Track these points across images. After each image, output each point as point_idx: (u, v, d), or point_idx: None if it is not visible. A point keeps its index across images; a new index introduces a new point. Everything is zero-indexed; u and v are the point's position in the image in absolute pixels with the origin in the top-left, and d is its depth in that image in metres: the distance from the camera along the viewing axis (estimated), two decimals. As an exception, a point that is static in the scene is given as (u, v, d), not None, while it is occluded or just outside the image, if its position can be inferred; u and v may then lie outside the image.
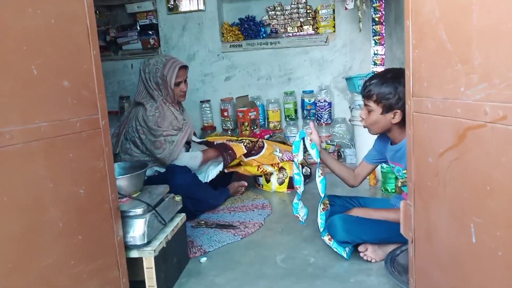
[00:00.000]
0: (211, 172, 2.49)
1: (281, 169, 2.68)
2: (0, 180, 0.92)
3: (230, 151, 2.49)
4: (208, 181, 2.46)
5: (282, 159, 2.68)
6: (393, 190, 2.45)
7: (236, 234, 1.96)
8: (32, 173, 1.00)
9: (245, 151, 2.55)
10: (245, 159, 2.57)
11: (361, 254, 1.61)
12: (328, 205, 1.71)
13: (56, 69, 1.07)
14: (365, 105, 1.61)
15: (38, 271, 1.02)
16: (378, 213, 1.64)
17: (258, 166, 2.63)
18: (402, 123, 1.55)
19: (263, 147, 2.67)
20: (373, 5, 2.73)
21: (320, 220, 1.70)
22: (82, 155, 1.14)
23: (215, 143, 2.58)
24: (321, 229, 1.71)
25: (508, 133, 0.72)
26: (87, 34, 1.16)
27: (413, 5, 1.02)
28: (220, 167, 2.50)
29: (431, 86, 0.98)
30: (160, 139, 2.21)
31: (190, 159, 2.35)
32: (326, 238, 1.68)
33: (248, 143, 2.61)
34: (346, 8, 2.92)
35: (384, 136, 1.73)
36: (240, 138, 2.77)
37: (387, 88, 1.52)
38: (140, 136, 2.24)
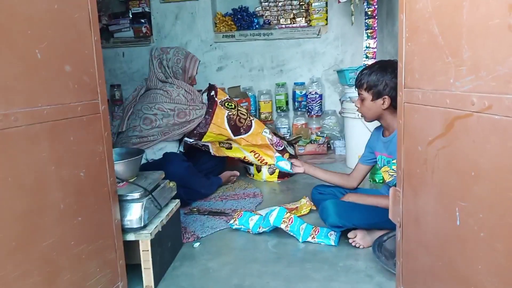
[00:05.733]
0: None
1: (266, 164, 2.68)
2: (5, 161, 0.95)
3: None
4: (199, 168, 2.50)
5: (271, 140, 2.66)
6: (381, 181, 2.52)
7: (228, 221, 2.00)
8: (35, 155, 1.02)
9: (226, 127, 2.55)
10: (234, 137, 2.56)
11: (350, 241, 1.67)
12: (290, 219, 1.78)
13: (58, 53, 1.08)
14: (358, 94, 1.77)
15: (40, 251, 1.04)
16: (371, 198, 1.73)
17: (255, 153, 2.63)
18: (392, 110, 1.69)
19: (251, 126, 2.63)
20: (366, -1, 2.78)
21: (292, 234, 1.76)
22: (82, 139, 1.17)
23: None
24: (300, 238, 1.75)
25: (493, 122, 0.78)
26: (88, 20, 1.18)
27: (408, 0, 1.06)
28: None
29: (422, 78, 1.02)
30: (186, 111, 2.41)
31: None
32: (309, 238, 1.74)
33: (234, 115, 2.58)
34: (339, 1, 2.96)
35: (377, 130, 1.88)
36: (237, 107, 2.70)
37: (375, 76, 1.68)
38: (157, 114, 2.35)
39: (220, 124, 2.52)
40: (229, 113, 2.57)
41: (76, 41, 1.15)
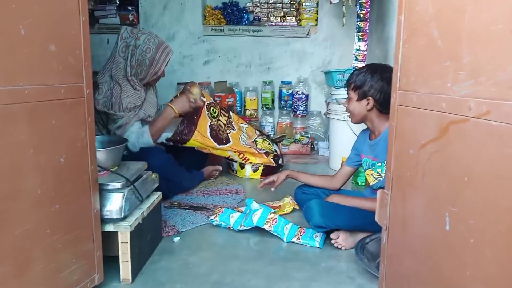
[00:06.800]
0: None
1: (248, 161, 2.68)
2: (-20, 141, 0.89)
3: (187, 130, 2.39)
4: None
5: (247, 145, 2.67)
6: (363, 184, 2.53)
7: (209, 216, 1.96)
8: (13, 136, 0.97)
9: (209, 137, 2.47)
10: (218, 146, 2.51)
11: (333, 241, 1.66)
12: (274, 220, 1.76)
13: (44, 31, 1.03)
14: (347, 94, 1.79)
15: (12, 238, 0.99)
16: (355, 200, 1.72)
17: (240, 153, 2.63)
18: (378, 113, 1.71)
19: (229, 139, 2.58)
20: (359, 1, 2.78)
21: (276, 234, 1.74)
22: (64, 123, 1.11)
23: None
24: (284, 238, 1.72)
25: (490, 128, 0.77)
26: (77, -1, 1.12)
27: (407, 2, 1.05)
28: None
29: (418, 81, 1.02)
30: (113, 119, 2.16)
31: (137, 138, 2.19)
32: (294, 239, 1.71)
33: (215, 125, 2.52)
34: (331, 2, 2.95)
35: (364, 133, 1.89)
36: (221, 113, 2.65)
37: (363, 77, 1.71)
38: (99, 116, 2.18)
39: (203, 133, 2.45)
40: (211, 123, 2.51)
41: (63, 20, 1.09)
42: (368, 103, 1.71)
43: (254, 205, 1.88)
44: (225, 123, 2.64)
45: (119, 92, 2.15)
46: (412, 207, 1.05)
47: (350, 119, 1.84)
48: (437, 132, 0.93)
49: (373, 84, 1.68)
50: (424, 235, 1.00)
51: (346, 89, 1.80)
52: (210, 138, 2.47)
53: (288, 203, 2.05)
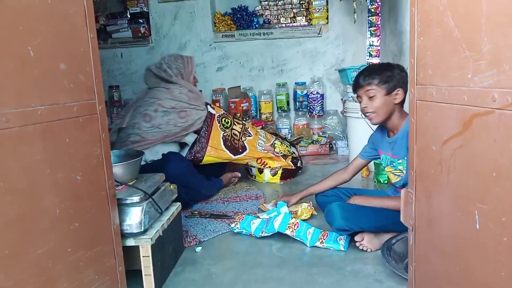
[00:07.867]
0: None
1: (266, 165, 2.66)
2: (-4, 164, 0.89)
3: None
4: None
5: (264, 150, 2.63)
6: (385, 182, 2.47)
7: (230, 224, 1.95)
8: (29, 157, 0.97)
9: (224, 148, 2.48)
10: (234, 157, 2.49)
11: (357, 244, 1.62)
12: (296, 224, 1.73)
13: (53, 50, 1.03)
14: (362, 94, 1.65)
15: (35, 258, 0.99)
16: (378, 200, 1.67)
17: (258, 159, 2.61)
18: (400, 108, 1.64)
19: (245, 147, 2.55)
20: (369, -4, 2.73)
21: (299, 239, 1.71)
22: (79, 140, 1.11)
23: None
24: (307, 243, 1.69)
25: (517, 119, 0.73)
26: (84, 16, 1.13)
27: (419, -8, 1.01)
28: None
29: (436, 74, 0.97)
30: (187, 110, 2.39)
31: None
32: (317, 243, 1.68)
33: (228, 135, 2.51)
34: (340, -1, 2.91)
35: (380, 130, 1.81)
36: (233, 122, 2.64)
37: (386, 70, 1.62)
38: (157, 110, 2.31)
39: (217, 146, 2.44)
40: (224, 134, 2.49)
41: (71, 38, 1.09)
42: (397, 94, 1.60)
43: (284, 209, 1.85)
44: (240, 130, 2.61)
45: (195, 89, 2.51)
46: (438, 206, 1.00)
47: (369, 121, 1.69)
48: (460, 127, 0.89)
49: (398, 75, 1.60)
50: (452, 235, 0.95)
51: (361, 89, 1.64)
52: (225, 149, 2.45)
53: (306, 208, 1.98)
